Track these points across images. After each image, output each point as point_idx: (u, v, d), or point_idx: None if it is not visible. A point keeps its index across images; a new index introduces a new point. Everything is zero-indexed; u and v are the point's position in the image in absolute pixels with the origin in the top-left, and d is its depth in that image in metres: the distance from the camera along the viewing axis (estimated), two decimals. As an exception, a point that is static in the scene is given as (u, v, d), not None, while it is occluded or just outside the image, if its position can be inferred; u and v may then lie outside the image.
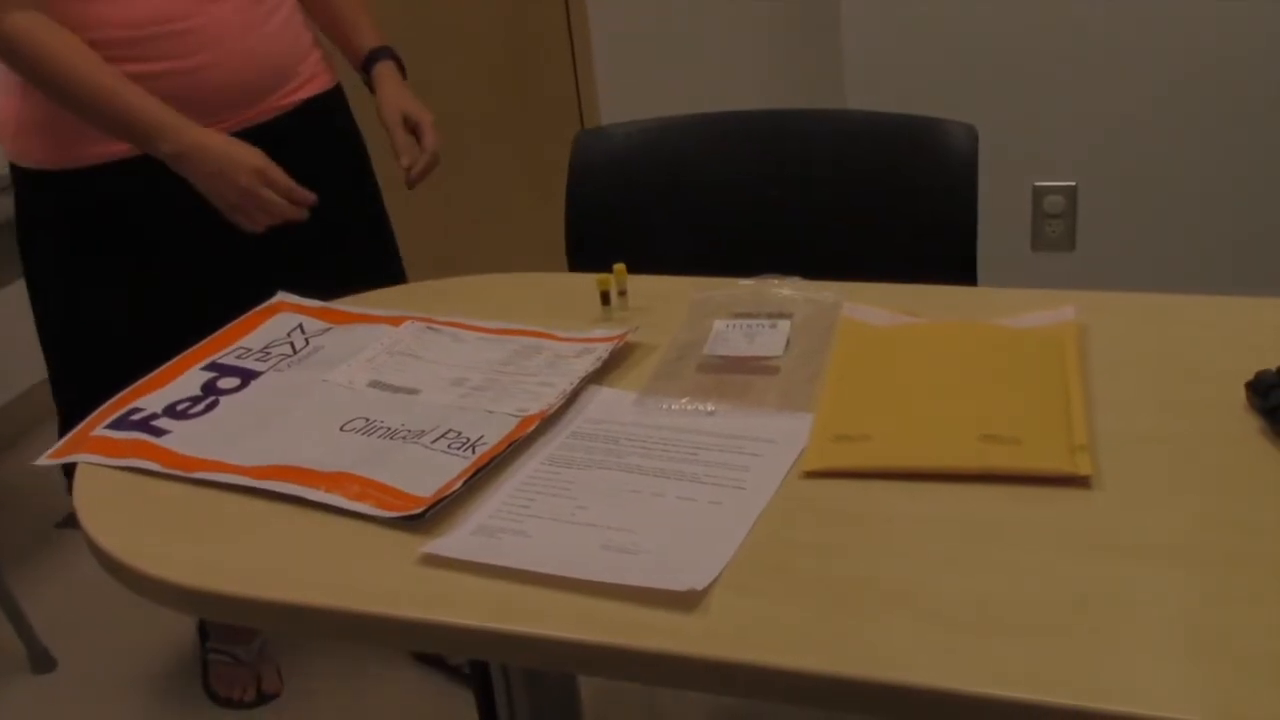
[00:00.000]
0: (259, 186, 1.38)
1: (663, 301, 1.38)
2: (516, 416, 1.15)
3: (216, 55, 1.45)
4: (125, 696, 2.17)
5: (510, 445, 1.10)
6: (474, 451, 1.10)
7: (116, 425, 1.21)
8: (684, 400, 1.16)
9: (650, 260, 1.54)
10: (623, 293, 1.38)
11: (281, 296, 1.45)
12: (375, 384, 1.24)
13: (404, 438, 1.13)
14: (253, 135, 1.53)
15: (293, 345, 1.34)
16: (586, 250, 1.67)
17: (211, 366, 1.31)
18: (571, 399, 1.18)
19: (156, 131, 1.38)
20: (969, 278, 1.55)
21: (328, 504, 1.04)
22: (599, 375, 1.22)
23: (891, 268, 1.54)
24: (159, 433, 1.19)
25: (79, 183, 1.48)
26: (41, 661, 2.23)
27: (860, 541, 0.94)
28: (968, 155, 1.52)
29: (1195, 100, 2.17)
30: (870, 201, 1.60)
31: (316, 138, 1.51)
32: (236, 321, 1.40)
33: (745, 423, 1.12)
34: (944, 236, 1.56)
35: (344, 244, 1.51)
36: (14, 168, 1.53)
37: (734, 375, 1.20)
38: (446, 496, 1.02)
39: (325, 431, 1.16)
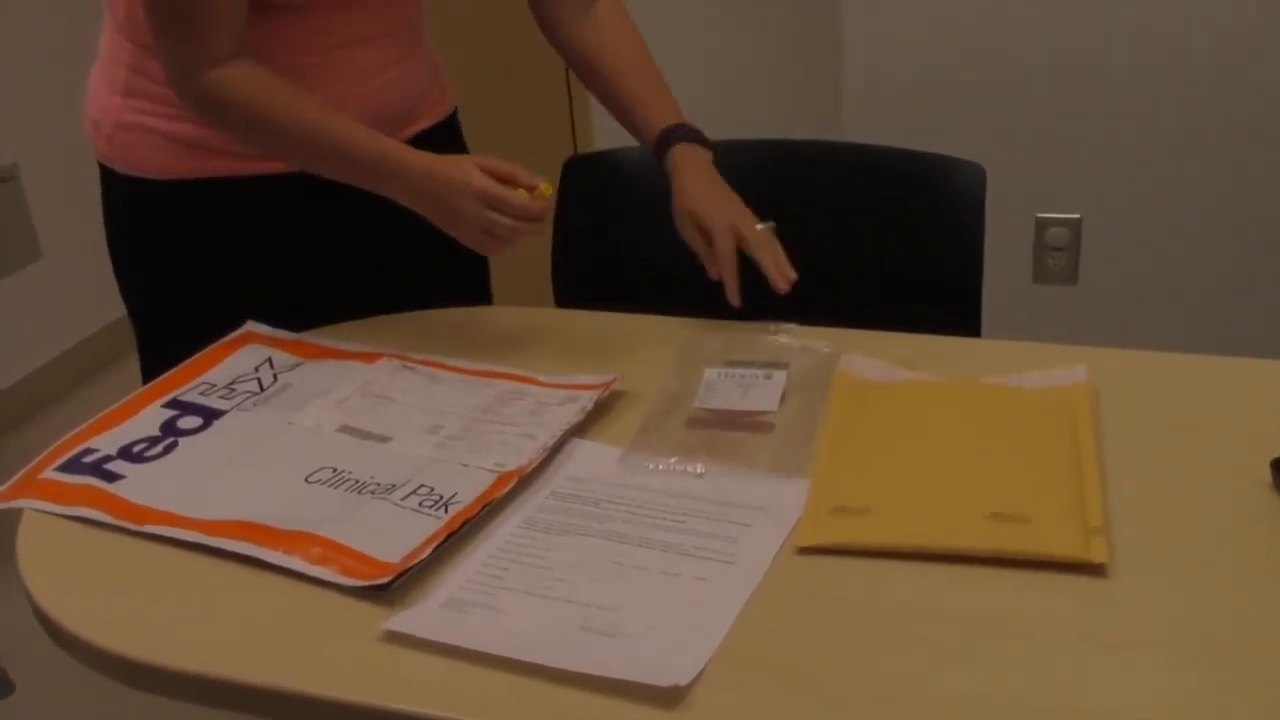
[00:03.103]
0: (483, 210, 1.20)
1: (652, 344, 1.31)
2: (493, 472, 1.08)
3: (350, 91, 1.35)
4: (86, 721, 2.09)
5: (485, 507, 1.03)
6: (446, 510, 1.02)
7: (67, 467, 1.14)
8: (671, 460, 1.09)
9: (639, 294, 1.47)
10: None
11: (251, 326, 1.37)
12: (345, 429, 1.17)
13: (373, 492, 1.06)
14: None
15: (260, 382, 1.27)
16: (573, 282, 1.60)
17: (172, 404, 1.24)
18: (552, 453, 1.11)
19: (394, 165, 1.24)
20: (972, 321, 1.48)
21: (287, 568, 0.97)
22: (582, 427, 1.15)
23: (892, 307, 1.47)
24: (112, 477, 1.12)
25: (171, 193, 1.39)
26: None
27: (855, 630, 0.88)
28: (975, 195, 1.46)
29: (1204, 133, 2.11)
30: (872, 237, 1.53)
31: None
32: (202, 353, 1.33)
33: (735, 486, 1.05)
34: (948, 277, 1.49)
35: (440, 270, 1.36)
36: (104, 170, 1.44)
37: (725, 432, 1.13)
38: (414, 566, 0.95)
39: (289, 482, 1.09)
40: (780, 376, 1.20)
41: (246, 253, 1.42)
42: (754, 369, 1.22)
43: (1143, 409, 1.11)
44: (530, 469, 1.08)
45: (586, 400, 1.18)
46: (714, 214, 1.30)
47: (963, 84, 2.18)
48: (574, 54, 1.46)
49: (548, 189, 1.26)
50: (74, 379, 3.10)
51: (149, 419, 1.21)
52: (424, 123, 1.47)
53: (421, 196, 1.25)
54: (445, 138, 1.51)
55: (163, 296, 1.45)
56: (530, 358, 1.29)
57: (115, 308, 1.54)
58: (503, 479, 1.06)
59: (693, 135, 1.37)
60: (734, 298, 1.28)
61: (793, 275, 1.28)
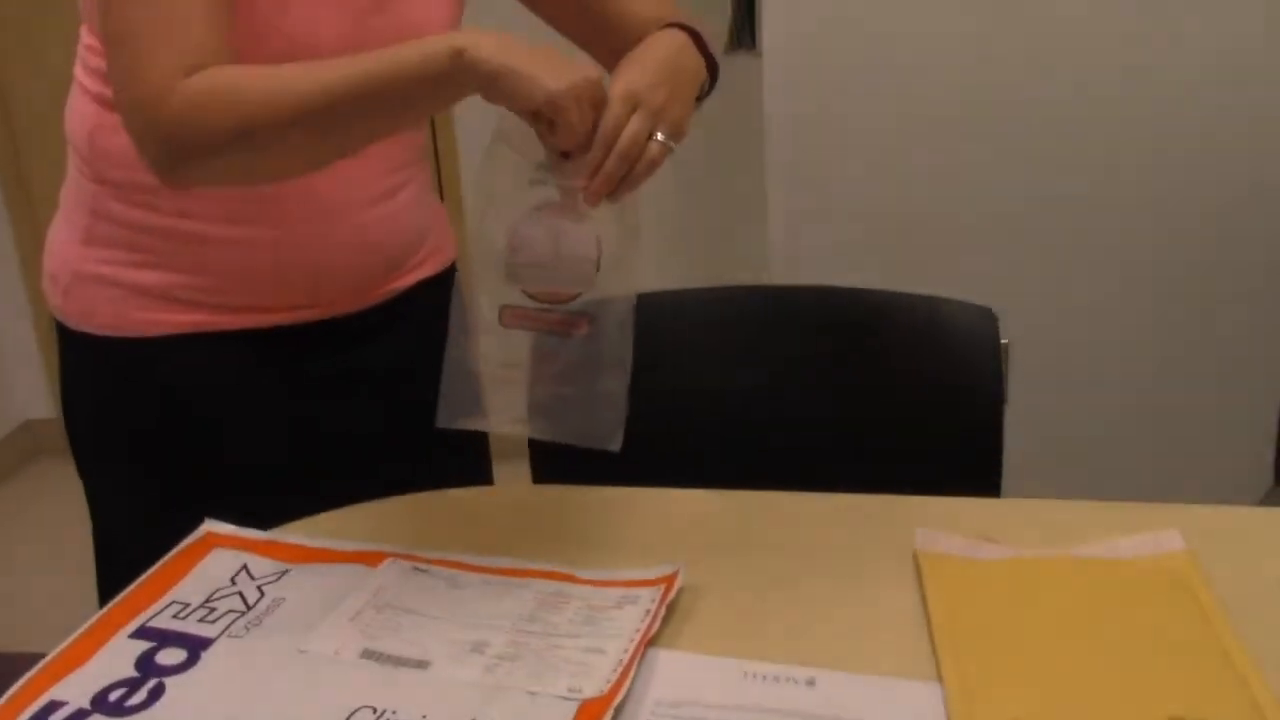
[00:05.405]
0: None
1: (682, 522, 1.18)
2: (571, 700, 0.92)
3: (325, 229, 1.17)
4: None
5: (586, 751, 0.87)
6: (532, 756, 0.86)
7: (32, 730, 0.93)
8: (769, 666, 0.95)
9: (626, 462, 1.35)
10: None
11: (210, 526, 1.18)
12: (370, 654, 0.99)
13: (433, 737, 0.89)
14: (350, 321, 1.25)
15: (243, 597, 1.08)
16: (551, 451, 1.46)
17: (143, 633, 1.03)
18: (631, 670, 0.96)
19: (436, 50, 0.93)
20: (993, 479, 1.40)
21: None
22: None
23: (903, 467, 1.38)
24: (94, 740, 0.91)
25: (135, 354, 1.18)
26: None
27: None
28: (988, 343, 1.39)
29: (1120, 229, 2.14)
30: (876, 391, 1.45)
31: (422, 320, 1.19)
32: (161, 564, 1.13)
33: (855, 696, 0.92)
34: (962, 433, 1.41)
35: (435, 438, 1.13)
36: (60, 327, 1.23)
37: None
38: (533, 841, 0.79)
39: (326, 732, 0.91)
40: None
41: (217, 418, 1.23)
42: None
43: (1255, 575, 1.04)
44: (619, 696, 0.92)
45: (648, 601, 1.03)
46: (624, 80, 0.99)
47: (880, 220, 2.16)
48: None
49: None
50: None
51: (119, 655, 1.01)
52: (416, 275, 1.30)
53: (510, 41, 0.94)
54: (440, 287, 1.35)
55: (124, 476, 1.25)
56: (538, 544, 1.14)
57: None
58: (587, 710, 0.91)
59: (683, 27, 1.09)
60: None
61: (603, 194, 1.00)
